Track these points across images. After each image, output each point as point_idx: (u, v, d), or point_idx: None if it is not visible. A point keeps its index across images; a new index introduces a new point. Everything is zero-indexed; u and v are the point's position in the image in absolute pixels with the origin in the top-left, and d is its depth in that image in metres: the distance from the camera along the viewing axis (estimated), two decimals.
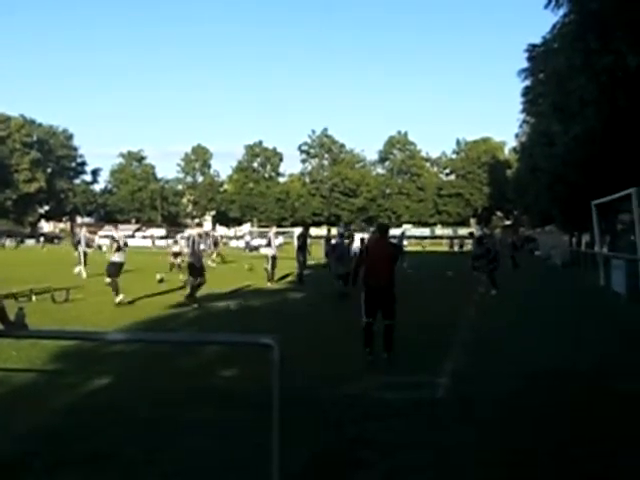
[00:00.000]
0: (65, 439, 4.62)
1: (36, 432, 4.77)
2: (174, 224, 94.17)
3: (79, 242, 22.24)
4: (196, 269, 13.56)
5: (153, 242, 63.61)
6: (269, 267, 19.57)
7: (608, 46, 15.49)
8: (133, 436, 4.69)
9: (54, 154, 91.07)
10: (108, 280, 13.39)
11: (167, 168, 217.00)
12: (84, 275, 20.26)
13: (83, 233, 23.09)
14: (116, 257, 13.66)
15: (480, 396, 5.95)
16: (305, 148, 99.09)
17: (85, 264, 20.94)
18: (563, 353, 8.11)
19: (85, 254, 21.35)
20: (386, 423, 5.08)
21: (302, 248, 19.88)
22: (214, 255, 29.45)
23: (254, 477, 3.79)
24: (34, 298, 13.35)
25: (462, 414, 5.35)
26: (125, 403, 5.60)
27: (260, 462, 3.31)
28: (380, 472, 4.03)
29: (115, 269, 13.48)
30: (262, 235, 58.78)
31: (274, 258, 19.64)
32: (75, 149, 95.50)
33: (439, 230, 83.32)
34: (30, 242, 69.25)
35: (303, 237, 20.53)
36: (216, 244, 31.27)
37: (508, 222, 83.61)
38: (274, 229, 22.55)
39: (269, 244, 20.43)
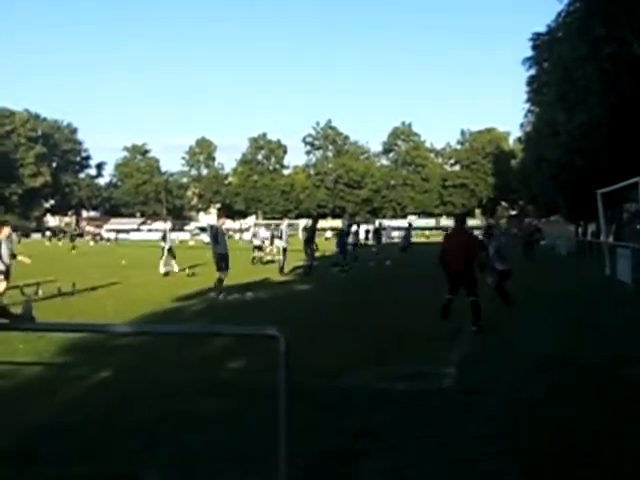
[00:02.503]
0: (72, 431, 4.64)
1: (43, 424, 4.79)
2: (179, 217, 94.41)
3: (164, 238, 20.00)
4: (226, 260, 13.74)
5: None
6: (281, 259, 19.58)
7: (613, 34, 15.38)
8: (140, 428, 4.72)
9: (59, 148, 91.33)
10: None
11: (171, 161, 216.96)
12: (176, 269, 19.38)
13: (167, 228, 21.17)
14: None
15: (486, 387, 5.95)
16: (309, 140, 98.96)
17: (173, 257, 19.76)
18: (570, 342, 8.09)
19: (170, 249, 19.53)
20: (391, 414, 5.09)
21: (310, 240, 19.83)
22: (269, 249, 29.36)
23: (260, 469, 3.81)
24: (40, 292, 13.39)
25: (468, 405, 5.35)
26: (132, 395, 5.62)
27: (266, 454, 3.32)
28: (384, 463, 4.04)
29: None
30: (266, 227, 58.76)
31: (285, 250, 19.64)
32: (80, 143, 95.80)
33: (444, 221, 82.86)
34: (36, 236, 69.94)
35: (312, 229, 20.47)
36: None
37: (513, 212, 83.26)
38: (286, 221, 22.51)
39: (281, 236, 20.42)
